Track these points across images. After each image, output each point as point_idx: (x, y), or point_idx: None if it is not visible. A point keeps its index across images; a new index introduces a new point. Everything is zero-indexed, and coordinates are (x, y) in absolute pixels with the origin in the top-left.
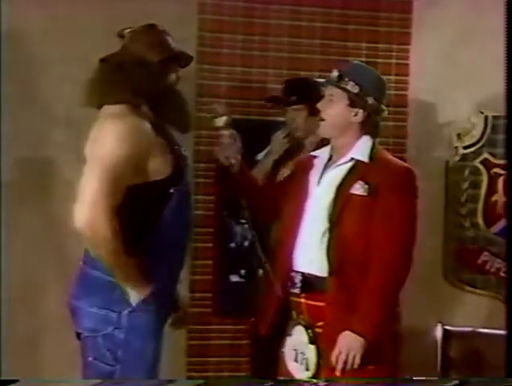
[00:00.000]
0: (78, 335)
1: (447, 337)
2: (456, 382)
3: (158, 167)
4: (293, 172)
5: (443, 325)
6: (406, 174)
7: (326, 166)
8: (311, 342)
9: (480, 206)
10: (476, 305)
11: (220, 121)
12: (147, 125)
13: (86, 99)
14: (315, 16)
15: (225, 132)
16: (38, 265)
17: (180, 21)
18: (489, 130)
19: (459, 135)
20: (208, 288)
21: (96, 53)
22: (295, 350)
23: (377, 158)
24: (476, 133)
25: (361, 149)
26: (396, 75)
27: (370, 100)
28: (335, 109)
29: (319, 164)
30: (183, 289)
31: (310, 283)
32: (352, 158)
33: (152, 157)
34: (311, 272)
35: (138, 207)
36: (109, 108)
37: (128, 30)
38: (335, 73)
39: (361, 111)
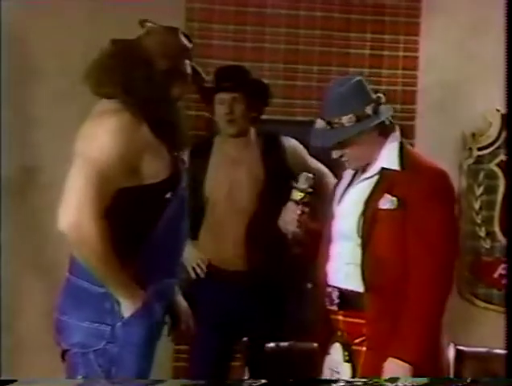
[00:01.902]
0: (63, 353)
1: (460, 358)
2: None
3: (153, 170)
4: None
5: (455, 345)
6: (436, 178)
7: (353, 180)
8: (347, 360)
9: (496, 213)
10: (492, 323)
11: (298, 196)
12: (143, 124)
13: (85, 78)
14: (315, 4)
15: (299, 206)
16: (15, 273)
17: (167, 10)
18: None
19: (473, 135)
20: None
21: (77, 46)
22: (330, 369)
23: (408, 163)
24: (493, 132)
25: (390, 156)
26: (403, 68)
27: (369, 110)
28: (351, 146)
29: (345, 178)
30: (183, 302)
31: (347, 299)
32: (382, 168)
33: (147, 158)
34: (347, 287)
35: (131, 213)
36: (103, 105)
37: (149, 25)
38: (322, 124)
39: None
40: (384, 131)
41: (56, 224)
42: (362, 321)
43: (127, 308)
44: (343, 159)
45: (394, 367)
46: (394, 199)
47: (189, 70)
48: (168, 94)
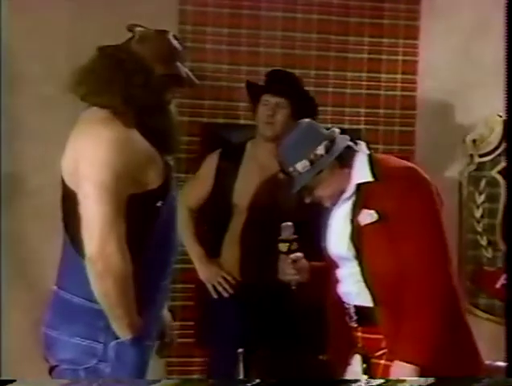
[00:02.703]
0: (51, 369)
1: None
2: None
3: (152, 177)
4: None
5: None
6: (407, 177)
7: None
8: (365, 373)
9: (498, 222)
10: (494, 335)
11: (285, 247)
12: (136, 132)
13: (73, 86)
14: (312, 7)
15: (290, 256)
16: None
17: (159, 12)
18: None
19: (474, 141)
20: (191, 315)
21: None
22: None
23: (380, 172)
24: (494, 139)
25: (362, 170)
26: (403, 73)
27: (321, 150)
28: (317, 188)
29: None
30: (168, 314)
31: (364, 315)
32: (358, 185)
33: (148, 165)
34: (361, 304)
35: (129, 225)
36: (92, 113)
37: (139, 29)
38: (282, 175)
39: (331, 162)
40: (345, 160)
41: (41, 231)
42: (380, 336)
43: (123, 335)
44: (317, 201)
45: (400, 369)
46: (372, 212)
47: (184, 73)
48: (162, 99)
